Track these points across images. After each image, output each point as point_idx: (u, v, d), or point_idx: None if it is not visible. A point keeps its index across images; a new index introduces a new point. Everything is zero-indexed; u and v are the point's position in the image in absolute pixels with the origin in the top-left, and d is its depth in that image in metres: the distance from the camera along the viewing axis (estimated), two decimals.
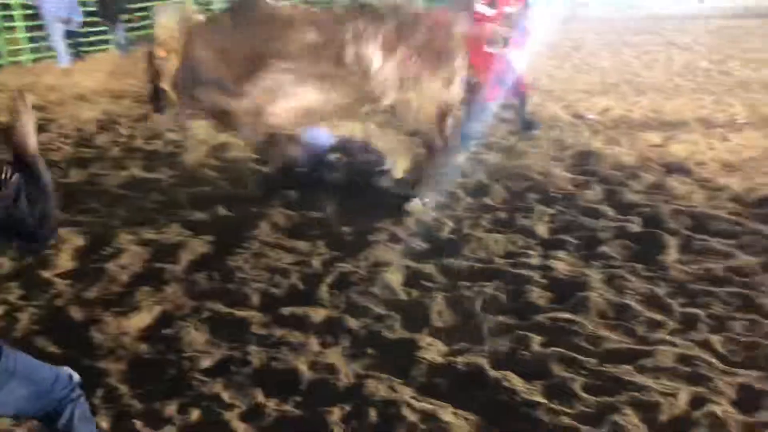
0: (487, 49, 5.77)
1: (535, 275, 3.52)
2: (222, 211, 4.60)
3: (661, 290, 3.32)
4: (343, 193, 4.77)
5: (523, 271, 3.57)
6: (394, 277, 3.59)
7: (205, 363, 2.89)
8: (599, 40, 12.61)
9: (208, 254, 4.00)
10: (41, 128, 6.34)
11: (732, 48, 11.02)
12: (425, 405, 2.55)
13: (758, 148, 5.54)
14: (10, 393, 1.89)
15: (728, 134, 5.96)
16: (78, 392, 2.08)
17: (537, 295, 3.31)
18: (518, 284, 3.43)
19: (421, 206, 4.51)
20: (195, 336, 3.09)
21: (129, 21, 11.84)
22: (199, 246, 4.07)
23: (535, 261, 3.70)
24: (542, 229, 4.15)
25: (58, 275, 3.75)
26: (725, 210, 4.28)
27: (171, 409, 2.61)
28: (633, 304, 3.20)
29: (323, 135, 4.92)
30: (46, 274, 3.74)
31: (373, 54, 4.32)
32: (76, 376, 2.25)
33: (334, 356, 2.92)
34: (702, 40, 12.14)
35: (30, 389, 1.94)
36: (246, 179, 5.24)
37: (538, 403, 2.52)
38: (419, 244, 4.02)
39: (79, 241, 4.15)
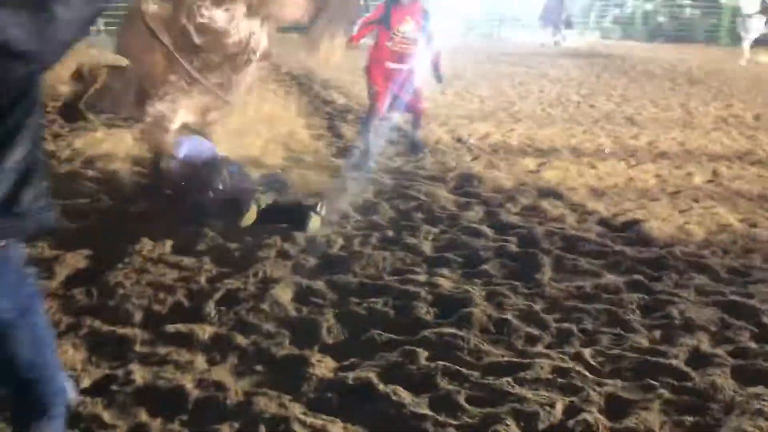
0: (388, 64, 5.97)
1: (422, 291, 3.63)
2: (100, 224, 4.39)
3: (537, 306, 3.53)
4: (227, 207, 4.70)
5: (410, 288, 3.67)
6: (284, 294, 3.59)
7: (84, 382, 2.75)
8: (477, 69, 13.22)
9: (86, 269, 3.82)
10: None
11: (597, 83, 11.92)
12: (315, 420, 2.56)
13: (622, 177, 6.03)
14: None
15: (596, 163, 6.44)
16: (63, 410, 1.95)
17: (423, 311, 3.42)
18: (406, 300, 3.53)
19: (319, 223, 4.52)
20: (73, 354, 2.93)
21: None
22: (76, 261, 3.87)
23: (421, 278, 3.82)
24: (428, 247, 4.29)
25: None
26: (593, 233, 4.63)
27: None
28: (512, 319, 3.38)
29: (203, 147, 4.80)
30: None
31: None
32: (70, 395, 2.08)
33: (222, 373, 2.86)
34: (572, 74, 13.03)
35: (33, 343, 1.79)
36: (127, 192, 5.04)
37: (425, 415, 2.60)
38: (309, 261, 4.04)
39: None
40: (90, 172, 5.57)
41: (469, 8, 21.71)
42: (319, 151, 6.65)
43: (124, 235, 4.24)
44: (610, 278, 3.90)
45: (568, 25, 19.55)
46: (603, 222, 4.87)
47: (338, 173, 5.85)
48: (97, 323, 3.21)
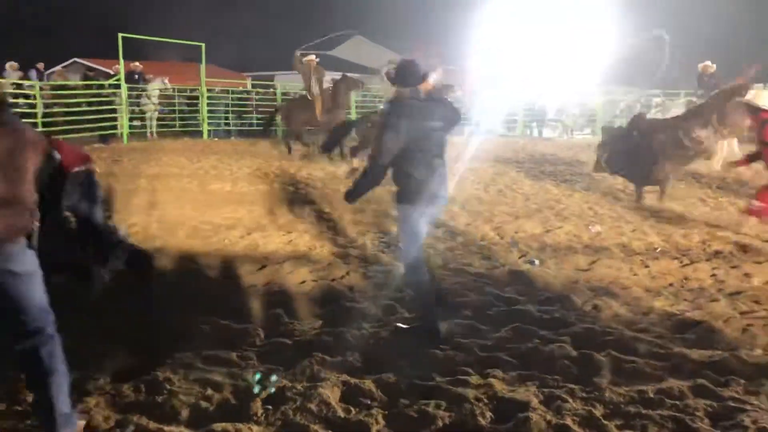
0: None
1: (475, 394, 3.49)
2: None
3: (597, 412, 3.35)
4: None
5: (463, 390, 3.53)
6: (332, 393, 3.49)
7: None
8: (519, 167, 13.30)
9: (135, 364, 3.79)
10: None
11: None
12: None
13: (677, 276, 5.85)
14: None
15: (648, 261, 6.28)
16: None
17: (478, 415, 3.27)
18: (458, 403, 3.39)
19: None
20: None
21: None
22: (124, 355, 3.87)
23: (474, 379, 3.69)
24: (479, 347, 4.17)
25: None
26: (652, 333, 4.44)
27: None
28: (572, 425, 3.20)
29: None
30: None
31: None
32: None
33: None
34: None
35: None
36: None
37: None
38: (356, 358, 3.95)
39: None
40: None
41: (512, 107, 22.26)
42: (365, 246, 6.67)
43: (173, 330, 4.24)
44: (673, 382, 3.70)
45: None
46: (661, 323, 4.69)
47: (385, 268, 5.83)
48: (144, 420, 3.16)
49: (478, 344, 4.20)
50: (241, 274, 5.69)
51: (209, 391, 3.49)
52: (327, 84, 14.79)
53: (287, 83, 23.47)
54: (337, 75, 15.51)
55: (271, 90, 22.34)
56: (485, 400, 3.43)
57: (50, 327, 2.93)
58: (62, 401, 2.91)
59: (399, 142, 4.23)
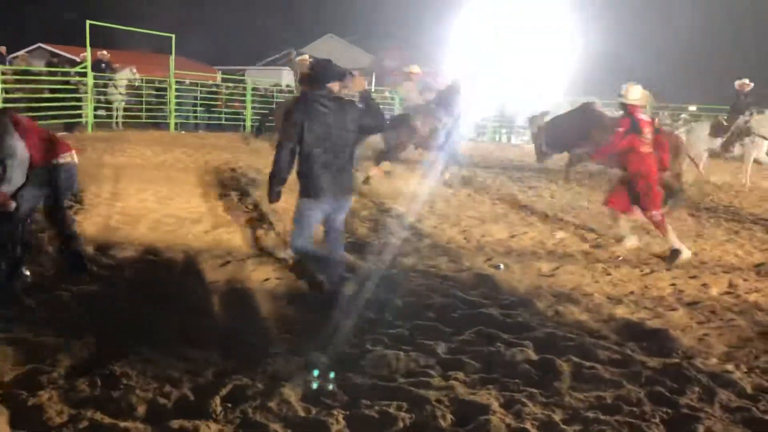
0: None
1: (437, 396, 3.49)
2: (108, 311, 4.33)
3: (557, 416, 3.38)
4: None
5: (424, 391, 3.53)
6: (293, 393, 3.45)
7: None
8: (486, 173, 13.39)
9: (91, 359, 3.71)
10: None
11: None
12: None
13: (638, 284, 5.95)
14: None
15: (610, 269, 6.37)
16: None
17: (439, 417, 3.27)
18: (420, 405, 3.38)
19: None
20: None
21: None
22: (81, 349, 3.77)
23: (435, 381, 3.69)
24: (442, 349, 4.17)
25: None
26: (611, 340, 4.50)
27: None
28: (531, 429, 3.22)
29: None
30: None
31: None
32: None
33: None
34: (583, 181, 13.15)
35: None
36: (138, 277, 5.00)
37: None
38: (320, 358, 3.92)
39: None
40: (104, 259, 5.56)
41: (482, 113, 22.43)
42: None
43: (132, 324, 4.16)
44: (631, 389, 3.75)
45: None
46: (621, 330, 4.75)
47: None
48: (98, 415, 3.08)
49: (442, 346, 4.21)
50: (203, 269, 5.62)
51: (167, 388, 3.42)
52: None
53: (258, 78, 23.29)
54: None
55: (242, 85, 22.13)
56: (446, 403, 3.43)
57: None
58: None
59: (295, 138, 4.61)
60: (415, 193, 9.73)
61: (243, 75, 27.08)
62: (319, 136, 4.60)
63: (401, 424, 3.20)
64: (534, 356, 4.11)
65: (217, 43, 41.88)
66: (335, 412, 3.28)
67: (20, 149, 4.45)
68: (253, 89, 21.33)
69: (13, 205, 4.50)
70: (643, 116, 6.97)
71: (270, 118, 14.75)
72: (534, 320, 4.81)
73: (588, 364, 4.05)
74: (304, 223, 4.80)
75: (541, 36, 23.21)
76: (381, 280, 5.42)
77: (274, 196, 4.85)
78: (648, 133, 6.88)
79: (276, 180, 4.77)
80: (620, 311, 5.16)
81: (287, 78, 25.12)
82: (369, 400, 3.42)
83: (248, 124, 19.89)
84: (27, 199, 4.62)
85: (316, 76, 4.72)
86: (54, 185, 4.77)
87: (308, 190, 4.73)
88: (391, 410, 3.30)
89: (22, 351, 3.69)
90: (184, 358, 3.82)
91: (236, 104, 20.44)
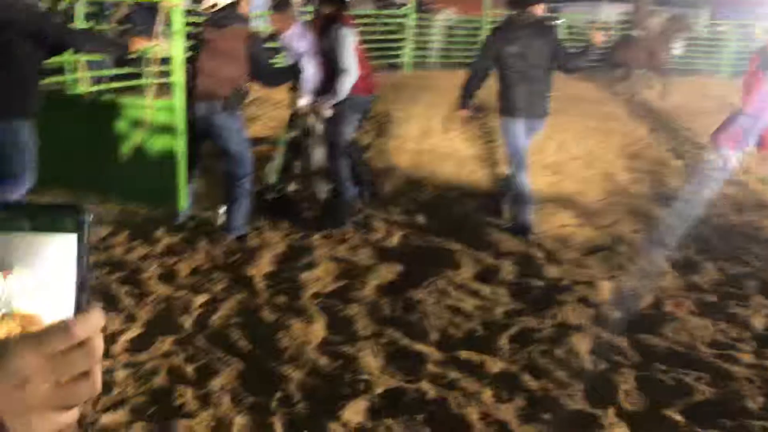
0: None
1: (747, 373, 3.11)
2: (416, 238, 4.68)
3: None
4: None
5: (732, 367, 3.17)
6: (582, 344, 3.37)
7: (378, 389, 2.90)
8: None
9: (394, 282, 4.06)
10: None
11: None
12: None
13: None
14: None
15: None
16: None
17: (748, 398, 2.92)
18: (725, 380, 3.05)
19: None
20: (370, 360, 3.11)
21: None
22: (387, 272, 4.14)
23: (747, 358, 3.29)
24: (760, 323, 3.69)
25: (259, 275, 4.00)
26: None
27: (338, 426, 2.64)
28: None
29: None
30: (249, 271, 4.01)
31: None
32: None
33: (507, 413, 2.78)
34: None
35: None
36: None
37: None
38: (612, 313, 3.76)
39: (281, 247, 4.43)
40: (412, 194, 5.97)
41: None
42: (638, 194, 6.21)
43: (433, 255, 4.44)
44: None
45: None
46: None
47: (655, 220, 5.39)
48: (397, 335, 3.38)
49: (759, 320, 3.72)
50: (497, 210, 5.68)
51: (458, 319, 3.60)
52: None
53: (573, 15, 22.36)
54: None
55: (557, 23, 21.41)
56: (758, 383, 3.04)
57: None
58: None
59: (490, 57, 4.91)
60: None
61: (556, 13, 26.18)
62: (515, 57, 4.80)
63: (699, 397, 2.93)
64: None
65: None
66: (625, 371, 3.13)
67: (354, 66, 4.87)
68: (569, 27, 20.57)
69: (330, 112, 4.98)
70: None
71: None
72: None
73: None
74: (517, 144, 4.96)
75: None
76: (688, 237, 4.94)
77: (463, 102, 5.18)
78: None
79: (464, 92, 5.10)
80: None
81: (607, 12, 23.65)
82: (664, 364, 3.19)
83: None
84: (350, 122, 5.10)
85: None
86: (365, 116, 5.30)
87: (506, 110, 4.96)
88: (689, 380, 3.04)
89: (340, 268, 4.19)
90: (477, 294, 3.96)
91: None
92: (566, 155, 7.59)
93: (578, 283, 4.13)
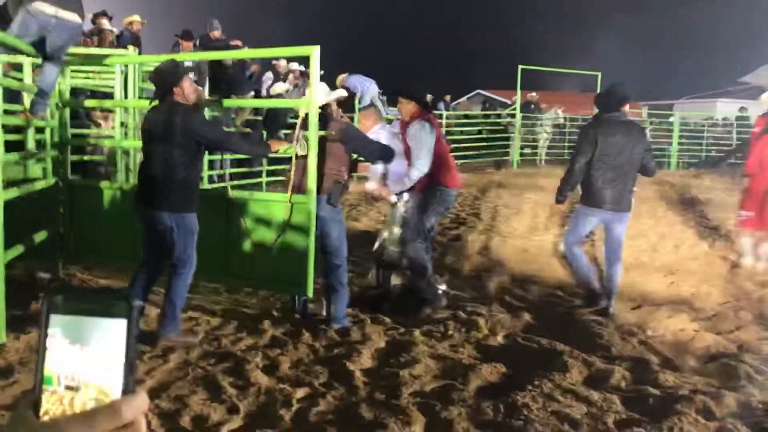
0: None
1: None
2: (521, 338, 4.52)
3: None
4: None
5: None
6: None
7: None
8: None
9: (497, 383, 3.91)
10: None
11: None
12: None
13: None
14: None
15: None
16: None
17: None
18: None
19: None
20: None
21: None
22: (490, 373, 4.01)
23: None
24: None
25: (359, 370, 3.99)
26: None
27: None
28: None
29: None
30: (350, 366, 4.01)
31: None
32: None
33: None
34: None
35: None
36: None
37: None
38: (738, 427, 3.41)
39: (381, 342, 4.41)
40: (517, 290, 5.84)
41: None
42: (764, 299, 5.76)
43: (538, 356, 4.26)
44: None
45: None
46: None
47: None
48: None
49: None
50: (614, 310, 5.45)
51: (565, 426, 3.40)
52: None
53: (688, 112, 21.86)
54: None
55: (670, 120, 21.01)
56: None
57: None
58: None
59: (590, 153, 5.20)
60: None
61: (671, 110, 25.72)
62: (611, 151, 5.10)
63: None
64: None
65: (645, 77, 40.76)
66: None
67: (427, 161, 5.07)
68: (682, 124, 20.05)
69: (394, 198, 5.15)
70: None
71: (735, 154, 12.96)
72: None
73: None
74: (579, 224, 5.43)
75: None
76: None
77: (560, 197, 5.50)
78: None
79: (567, 186, 5.40)
80: None
81: (723, 109, 22.96)
82: None
83: (673, 161, 18.76)
84: (438, 212, 5.33)
85: (610, 98, 5.22)
86: (447, 207, 5.60)
87: (590, 200, 5.28)
88: None
89: (441, 366, 4.10)
90: (586, 400, 3.74)
91: (660, 140, 19.46)
92: (686, 254, 7.22)
93: (699, 393, 3.81)
